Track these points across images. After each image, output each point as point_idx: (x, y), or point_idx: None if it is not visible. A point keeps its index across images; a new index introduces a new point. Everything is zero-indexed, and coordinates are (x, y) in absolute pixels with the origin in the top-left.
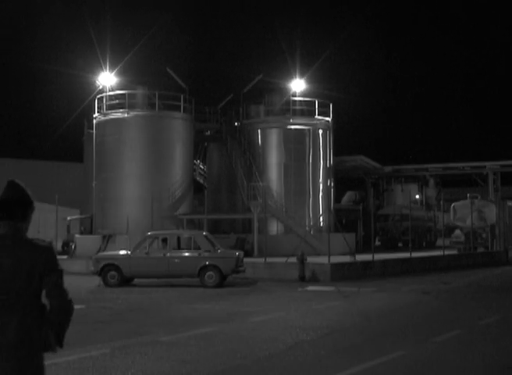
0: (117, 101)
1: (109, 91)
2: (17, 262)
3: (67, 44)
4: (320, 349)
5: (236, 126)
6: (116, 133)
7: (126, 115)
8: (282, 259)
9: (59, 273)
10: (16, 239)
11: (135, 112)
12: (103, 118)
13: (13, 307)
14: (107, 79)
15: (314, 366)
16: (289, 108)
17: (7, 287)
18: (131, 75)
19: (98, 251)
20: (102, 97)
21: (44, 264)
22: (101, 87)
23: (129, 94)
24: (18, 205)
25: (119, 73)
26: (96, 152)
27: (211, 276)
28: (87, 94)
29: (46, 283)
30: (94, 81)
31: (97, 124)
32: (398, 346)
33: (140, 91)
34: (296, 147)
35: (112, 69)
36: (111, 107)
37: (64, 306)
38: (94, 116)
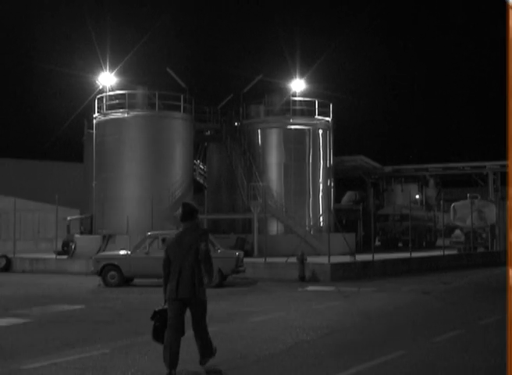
0: (117, 101)
1: (109, 91)
2: (192, 240)
3: (67, 44)
4: (320, 349)
5: (236, 126)
6: (116, 133)
7: (126, 115)
8: (282, 259)
9: (207, 246)
10: (192, 228)
11: (135, 112)
12: (103, 118)
13: (188, 262)
14: (107, 79)
15: (314, 366)
16: (289, 108)
17: (186, 254)
18: (131, 75)
19: (98, 251)
20: (102, 97)
21: (201, 241)
22: (101, 87)
23: (129, 94)
24: (190, 213)
25: (119, 73)
26: (96, 152)
27: None
28: (87, 94)
29: (200, 251)
30: (94, 81)
31: (97, 124)
32: (398, 346)
33: (140, 91)
34: (296, 147)
35: (112, 69)
36: (111, 107)
37: (208, 265)
38: (94, 116)
